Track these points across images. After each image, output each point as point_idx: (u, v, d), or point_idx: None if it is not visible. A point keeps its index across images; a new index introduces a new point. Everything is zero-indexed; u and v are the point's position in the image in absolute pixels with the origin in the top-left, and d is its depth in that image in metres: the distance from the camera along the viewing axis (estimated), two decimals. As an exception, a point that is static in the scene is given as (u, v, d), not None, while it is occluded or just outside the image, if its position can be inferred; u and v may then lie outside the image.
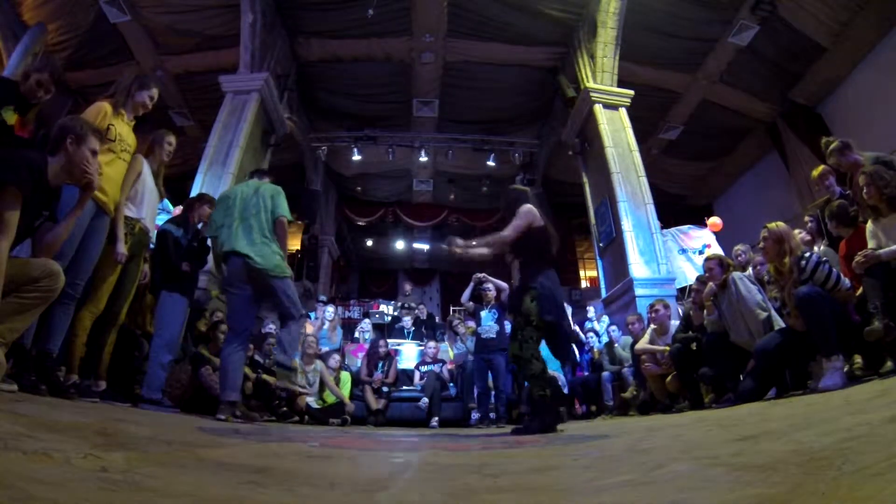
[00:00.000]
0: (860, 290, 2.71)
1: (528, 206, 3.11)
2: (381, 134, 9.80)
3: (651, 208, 6.54)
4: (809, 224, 4.12)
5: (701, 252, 7.23)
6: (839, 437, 1.02)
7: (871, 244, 2.67)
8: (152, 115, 3.17)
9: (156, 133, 3.31)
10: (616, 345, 5.52)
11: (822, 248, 3.81)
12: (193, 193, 5.56)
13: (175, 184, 7.29)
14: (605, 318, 6.55)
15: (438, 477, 1.15)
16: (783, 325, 2.97)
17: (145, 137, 3.35)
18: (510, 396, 5.57)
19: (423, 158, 10.23)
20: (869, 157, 3.55)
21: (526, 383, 3.68)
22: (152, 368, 3.11)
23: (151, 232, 3.30)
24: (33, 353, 2.43)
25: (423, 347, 6.43)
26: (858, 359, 2.76)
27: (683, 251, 7.47)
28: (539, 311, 2.91)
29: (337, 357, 5.41)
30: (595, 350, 6.03)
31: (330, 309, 6.77)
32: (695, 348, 3.77)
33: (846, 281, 2.72)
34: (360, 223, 13.45)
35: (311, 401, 4.81)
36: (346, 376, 5.40)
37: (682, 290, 6.31)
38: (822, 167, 4.29)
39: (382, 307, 9.24)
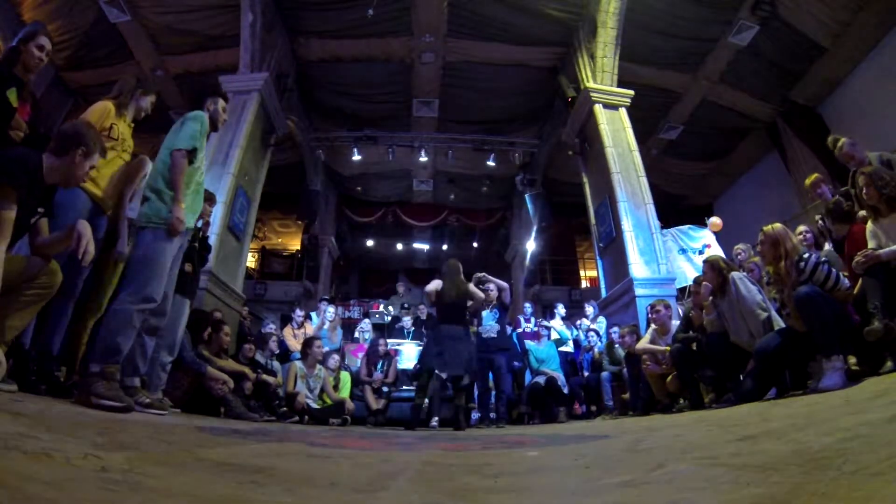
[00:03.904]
0: (857, 287, 2.71)
1: (429, 287, 4.61)
2: (381, 134, 9.79)
3: (651, 208, 6.54)
4: (820, 223, 4.12)
5: (701, 252, 7.22)
6: (839, 437, 1.02)
7: (871, 244, 2.67)
8: (153, 116, 3.18)
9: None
10: (616, 346, 5.52)
11: (826, 247, 3.82)
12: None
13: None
14: (602, 319, 6.54)
15: (438, 477, 1.15)
16: (783, 325, 2.97)
17: (148, 138, 3.36)
18: (510, 396, 5.57)
19: (423, 158, 10.23)
20: (873, 157, 3.57)
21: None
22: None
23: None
24: (33, 352, 2.43)
25: (422, 347, 6.42)
26: (853, 359, 2.76)
27: (683, 251, 7.47)
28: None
29: (336, 357, 5.40)
30: (595, 351, 6.03)
31: (330, 309, 6.77)
32: (695, 348, 3.76)
33: (846, 281, 2.71)
34: (360, 223, 13.46)
35: (311, 401, 4.81)
36: (345, 376, 5.39)
37: (681, 290, 6.31)
38: (814, 176, 4.35)
39: (383, 307, 9.24)
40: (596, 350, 6.01)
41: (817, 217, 4.24)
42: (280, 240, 15.05)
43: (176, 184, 2.56)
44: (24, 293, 1.88)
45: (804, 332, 2.68)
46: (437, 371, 4.40)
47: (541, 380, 5.51)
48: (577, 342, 6.69)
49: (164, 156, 2.65)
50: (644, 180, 6.70)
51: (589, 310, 7.05)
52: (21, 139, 2.41)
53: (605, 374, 5.52)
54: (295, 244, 14.29)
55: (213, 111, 2.97)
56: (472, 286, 4.72)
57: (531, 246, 11.51)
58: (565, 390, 5.52)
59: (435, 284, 4.60)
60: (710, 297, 3.49)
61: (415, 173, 11.52)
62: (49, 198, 2.11)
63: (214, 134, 7.15)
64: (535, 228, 10.72)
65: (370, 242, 15.22)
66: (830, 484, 0.65)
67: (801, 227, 4.05)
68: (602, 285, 7.19)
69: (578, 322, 7.08)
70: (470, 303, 4.77)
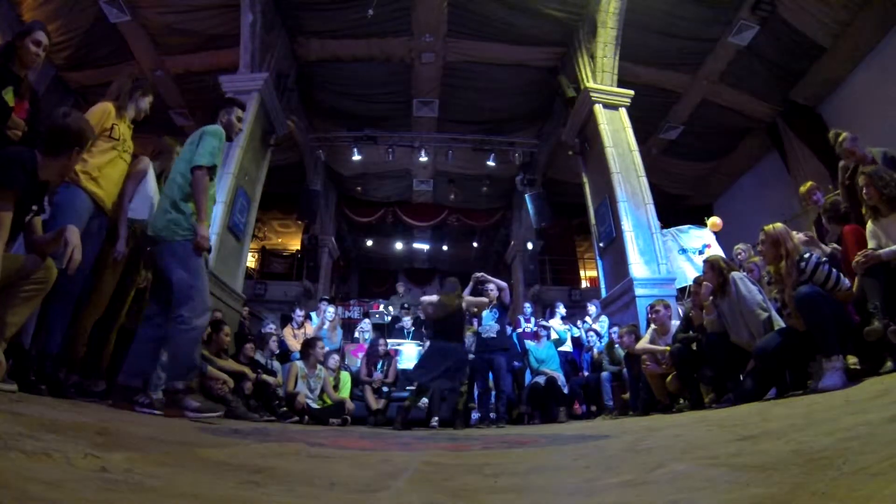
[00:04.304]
0: (856, 285, 2.71)
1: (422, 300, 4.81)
2: (381, 134, 9.79)
3: (651, 208, 6.54)
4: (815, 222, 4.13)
5: (701, 252, 7.22)
6: (839, 437, 1.02)
7: (871, 244, 2.67)
8: (152, 116, 3.18)
9: (164, 141, 3.32)
10: (616, 346, 5.52)
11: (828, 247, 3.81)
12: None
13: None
14: (605, 318, 6.54)
15: (438, 477, 1.15)
16: (783, 325, 2.97)
17: (149, 138, 3.36)
18: (510, 396, 5.57)
19: (423, 158, 10.23)
20: (877, 153, 3.56)
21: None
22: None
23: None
24: (33, 352, 2.43)
25: (422, 347, 6.43)
26: (853, 358, 2.77)
27: (683, 251, 7.47)
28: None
29: (336, 357, 5.41)
30: (595, 351, 6.03)
31: (330, 309, 6.77)
32: (695, 348, 3.77)
33: (846, 281, 2.71)
34: (360, 223, 13.45)
35: (311, 401, 4.82)
36: (345, 376, 5.40)
37: (681, 290, 6.31)
38: (808, 184, 4.34)
39: (383, 307, 9.24)
40: (595, 350, 6.01)
41: (813, 220, 4.25)
42: (280, 240, 15.05)
43: (200, 203, 2.58)
44: (21, 289, 1.90)
45: (804, 331, 2.68)
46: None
47: (541, 380, 5.51)
48: (579, 341, 6.69)
49: (182, 168, 2.65)
50: (644, 180, 6.70)
51: (591, 309, 7.05)
52: (19, 138, 2.40)
53: (605, 374, 5.52)
54: (295, 244, 14.29)
55: (227, 122, 2.93)
56: (469, 298, 4.77)
57: (531, 246, 11.50)
58: (565, 390, 5.52)
59: (430, 298, 4.74)
60: (711, 297, 3.49)
61: (415, 173, 11.52)
62: (42, 195, 2.11)
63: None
64: (535, 228, 10.72)
65: (370, 242, 15.23)
66: (830, 484, 0.65)
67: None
68: (602, 285, 7.19)
69: (582, 321, 7.08)
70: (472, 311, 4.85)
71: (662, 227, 6.78)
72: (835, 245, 3.54)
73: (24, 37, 2.43)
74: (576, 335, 6.82)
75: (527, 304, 7.90)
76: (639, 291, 5.94)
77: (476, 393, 5.21)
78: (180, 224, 2.55)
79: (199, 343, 2.62)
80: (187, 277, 2.50)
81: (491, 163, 10.06)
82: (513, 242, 12.79)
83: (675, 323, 4.35)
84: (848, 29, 6.89)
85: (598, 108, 7.17)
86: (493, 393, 5.01)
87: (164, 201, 2.63)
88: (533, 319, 6.90)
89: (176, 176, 2.66)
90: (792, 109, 8.39)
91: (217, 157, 2.71)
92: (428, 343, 4.81)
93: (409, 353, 6.72)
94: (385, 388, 5.51)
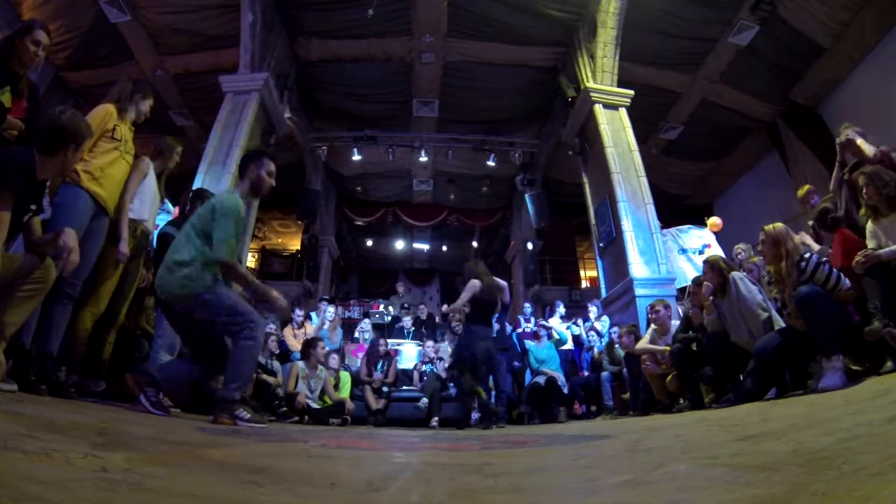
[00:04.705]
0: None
1: (473, 282, 4.43)
2: (381, 134, 9.79)
3: (651, 208, 6.54)
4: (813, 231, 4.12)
5: (701, 252, 7.22)
6: (839, 437, 1.02)
7: (871, 244, 2.67)
8: (152, 116, 3.18)
9: (164, 142, 3.31)
10: (616, 346, 5.52)
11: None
12: (193, 193, 5.53)
13: (175, 184, 7.27)
14: (606, 318, 6.54)
15: (438, 477, 1.15)
16: (783, 325, 2.97)
17: (149, 139, 3.36)
18: (510, 396, 5.58)
19: (423, 158, 10.24)
20: (868, 149, 3.55)
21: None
22: (152, 369, 3.11)
23: (152, 234, 3.32)
24: (33, 352, 2.43)
25: (422, 347, 6.43)
26: (854, 358, 2.77)
27: (683, 251, 7.47)
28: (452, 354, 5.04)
29: (336, 357, 5.41)
30: (595, 350, 6.03)
31: (330, 309, 6.77)
32: (695, 348, 3.77)
33: (846, 281, 2.71)
34: (360, 223, 13.45)
35: (311, 401, 4.82)
36: (345, 376, 5.40)
37: (681, 290, 6.31)
38: (806, 187, 4.35)
39: (383, 307, 9.24)
40: (596, 350, 6.01)
41: (810, 223, 4.25)
42: (280, 240, 15.05)
43: (246, 285, 2.70)
44: (20, 289, 1.90)
45: (804, 331, 2.68)
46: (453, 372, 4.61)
47: (541, 380, 5.51)
48: (579, 339, 6.69)
49: (193, 239, 2.48)
50: (644, 180, 6.70)
51: (592, 310, 7.05)
52: (16, 137, 2.38)
53: (605, 374, 5.51)
54: (295, 244, 14.29)
55: (256, 178, 2.74)
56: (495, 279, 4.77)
57: (531, 246, 11.51)
58: (565, 390, 5.52)
59: (475, 284, 4.43)
60: (711, 297, 3.49)
61: (415, 173, 11.53)
62: (40, 194, 2.11)
63: (215, 133, 7.15)
64: (535, 228, 10.72)
65: (370, 242, 15.22)
66: (830, 484, 0.65)
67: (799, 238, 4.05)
68: (602, 285, 7.19)
69: (582, 319, 7.06)
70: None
71: (662, 227, 6.79)
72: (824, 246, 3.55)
73: (24, 35, 2.42)
74: (575, 333, 6.81)
75: (527, 304, 7.90)
76: (639, 291, 5.94)
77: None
78: (193, 277, 2.43)
79: (256, 357, 2.72)
80: (230, 315, 2.44)
81: (491, 163, 10.07)
82: (513, 242, 12.79)
83: (675, 323, 4.35)
84: (848, 29, 6.89)
85: (598, 108, 7.18)
86: (493, 393, 5.01)
87: (169, 261, 2.48)
88: (533, 319, 6.90)
89: (189, 245, 2.48)
90: (792, 109, 8.39)
91: (238, 235, 2.57)
92: (473, 331, 4.52)
93: (409, 353, 6.72)
94: (385, 388, 5.51)
